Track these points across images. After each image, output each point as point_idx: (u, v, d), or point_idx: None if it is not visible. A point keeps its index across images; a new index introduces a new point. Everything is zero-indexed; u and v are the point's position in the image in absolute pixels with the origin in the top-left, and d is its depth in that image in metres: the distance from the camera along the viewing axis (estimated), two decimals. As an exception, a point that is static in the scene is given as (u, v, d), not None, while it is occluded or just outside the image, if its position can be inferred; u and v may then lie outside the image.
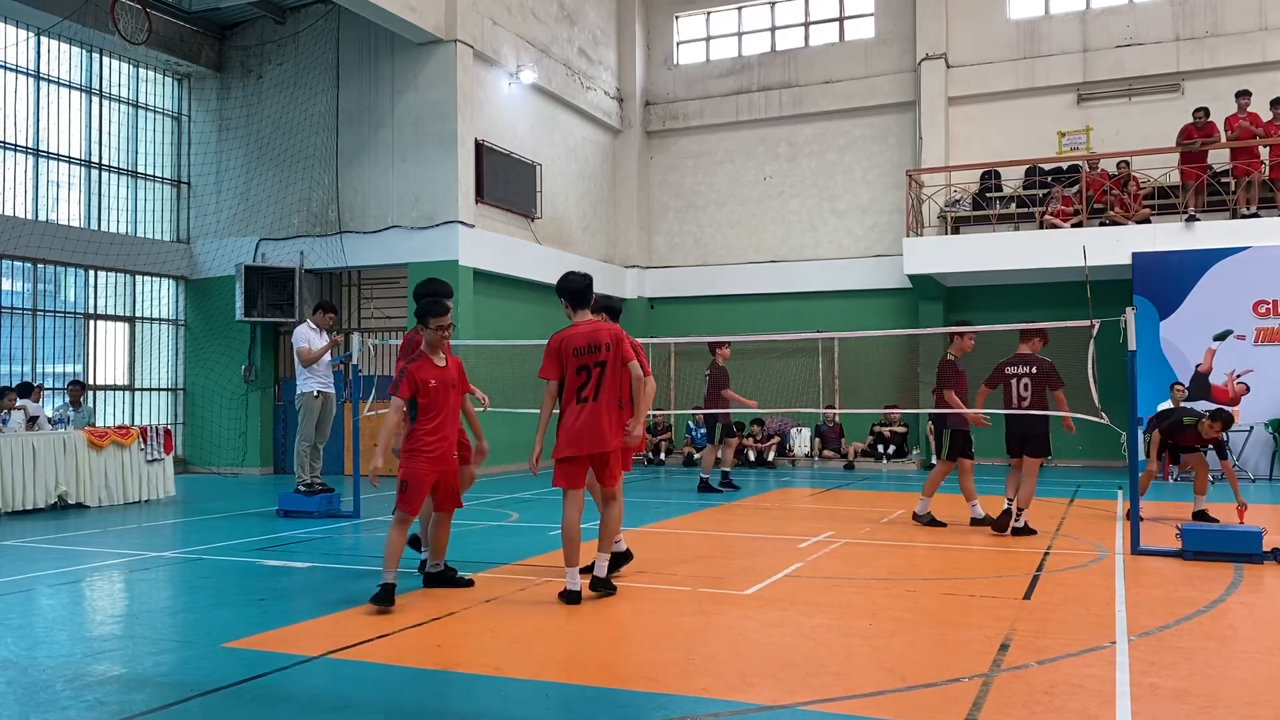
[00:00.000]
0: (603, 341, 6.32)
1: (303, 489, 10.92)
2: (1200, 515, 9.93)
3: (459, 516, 10.85)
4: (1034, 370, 9.17)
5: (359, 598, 6.41)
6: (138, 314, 17.18)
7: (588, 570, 6.56)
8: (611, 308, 7.23)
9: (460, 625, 5.79)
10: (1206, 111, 16.10)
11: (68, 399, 13.74)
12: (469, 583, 6.82)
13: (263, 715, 4.26)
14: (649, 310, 21.00)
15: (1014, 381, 9.21)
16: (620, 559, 6.95)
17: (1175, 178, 16.38)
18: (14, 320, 15.04)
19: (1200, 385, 15.02)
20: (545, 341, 6.51)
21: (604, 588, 6.37)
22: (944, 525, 9.66)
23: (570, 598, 6.26)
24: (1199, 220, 15.69)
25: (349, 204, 16.47)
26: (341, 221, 16.46)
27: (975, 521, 9.72)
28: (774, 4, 20.80)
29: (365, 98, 16.38)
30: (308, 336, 10.92)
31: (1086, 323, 8.94)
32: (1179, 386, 14.78)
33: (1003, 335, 10.20)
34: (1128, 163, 16.57)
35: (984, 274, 17.32)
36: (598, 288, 23.18)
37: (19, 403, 12.24)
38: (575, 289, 6.51)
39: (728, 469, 13.60)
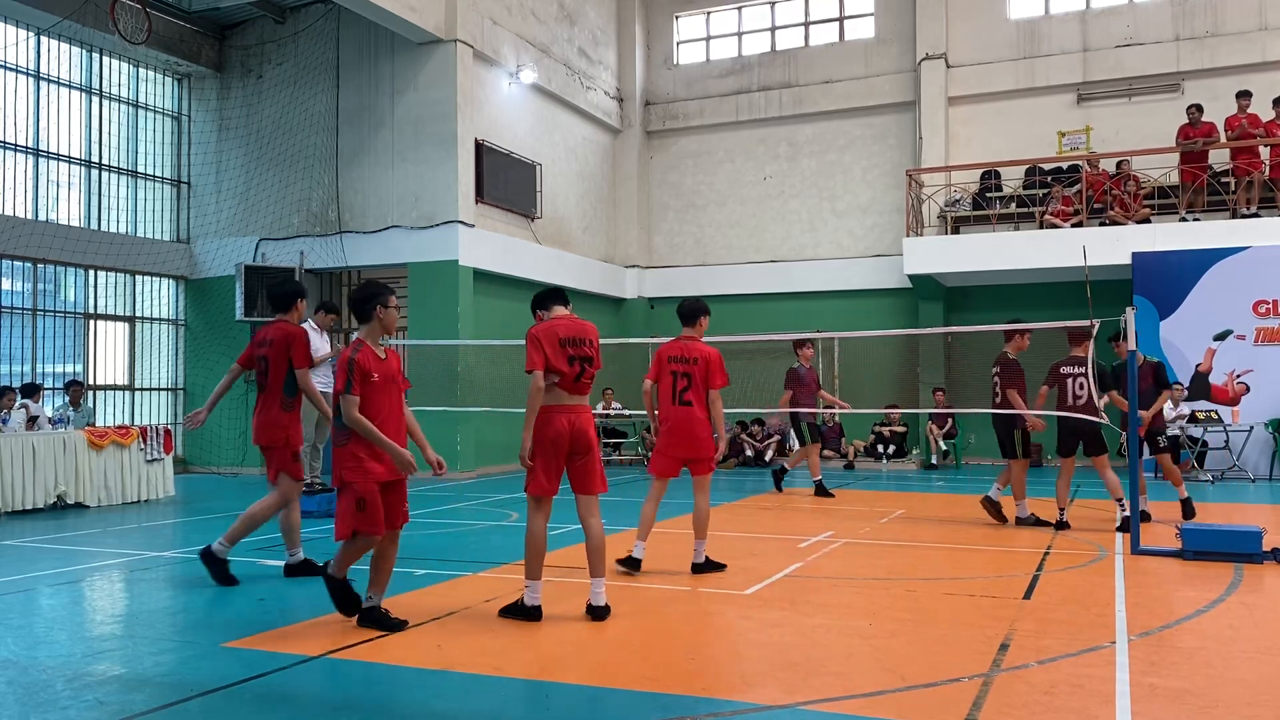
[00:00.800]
0: (588, 337, 6.00)
1: (303, 489, 10.91)
2: (1186, 504, 9.95)
3: (458, 516, 10.89)
4: (1088, 371, 9.25)
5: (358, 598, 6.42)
6: (138, 314, 17.18)
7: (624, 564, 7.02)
8: (697, 308, 7.53)
9: (460, 625, 5.79)
10: (1200, 109, 16.12)
11: (68, 399, 13.74)
12: (397, 624, 5.70)
13: (263, 715, 4.26)
14: (649, 310, 21.00)
15: (1069, 381, 9.30)
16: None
17: (1175, 178, 16.39)
18: (14, 320, 15.03)
19: (1200, 385, 15.03)
20: None
21: (602, 615, 5.86)
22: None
23: (528, 614, 5.82)
24: (1191, 221, 15.74)
25: (349, 204, 16.47)
26: (341, 221, 16.46)
27: (1021, 521, 9.72)
28: (774, 4, 20.80)
29: (365, 98, 16.38)
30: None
31: (1086, 323, 8.96)
32: (1178, 386, 14.78)
33: (1002, 336, 10.20)
34: (1128, 162, 16.58)
35: (984, 274, 17.32)
36: (598, 288, 23.19)
37: (20, 402, 12.25)
38: (555, 288, 6.30)
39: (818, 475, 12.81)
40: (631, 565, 7.29)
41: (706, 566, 7.38)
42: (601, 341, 6.16)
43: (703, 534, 7.45)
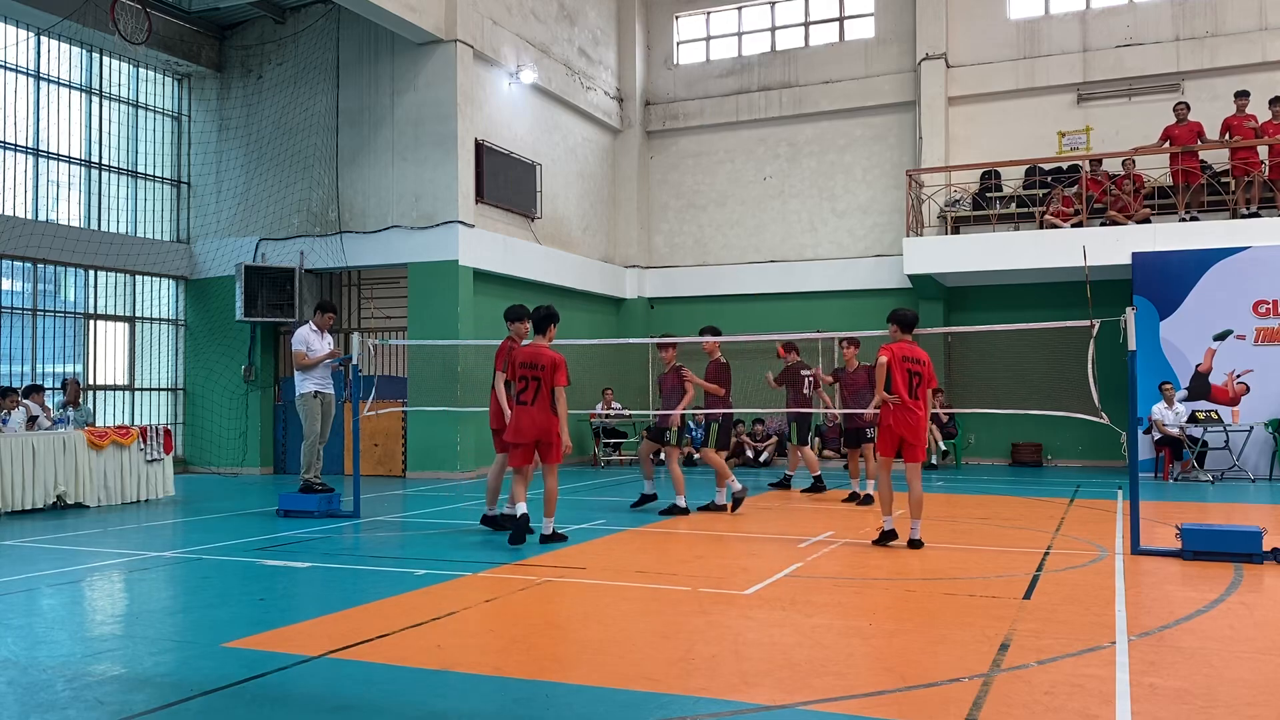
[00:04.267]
0: (540, 363, 8.55)
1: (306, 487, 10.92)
2: (720, 508, 11.07)
3: (458, 516, 10.88)
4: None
5: (359, 598, 6.42)
6: (138, 314, 17.18)
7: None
8: (916, 316, 9.00)
9: (460, 625, 5.79)
10: (1188, 106, 16.21)
11: (64, 397, 13.72)
12: None
13: (263, 715, 4.26)
14: (649, 310, 21.00)
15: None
16: (554, 539, 8.75)
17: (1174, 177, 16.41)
18: (14, 320, 15.03)
19: (1200, 385, 15.03)
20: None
21: (554, 541, 8.61)
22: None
23: (516, 522, 8.47)
24: (1191, 221, 15.75)
25: (349, 204, 16.47)
26: (341, 221, 16.46)
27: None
28: (774, 4, 20.80)
29: (365, 98, 16.39)
30: (306, 339, 10.88)
31: (1086, 323, 8.95)
32: (1168, 385, 14.78)
33: (1002, 336, 10.23)
34: (1133, 162, 16.59)
35: (984, 274, 17.32)
36: (598, 288, 23.13)
37: (23, 401, 12.24)
38: (536, 318, 8.89)
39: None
40: (888, 538, 8.59)
41: (917, 543, 8.46)
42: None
43: (919, 514, 8.56)
